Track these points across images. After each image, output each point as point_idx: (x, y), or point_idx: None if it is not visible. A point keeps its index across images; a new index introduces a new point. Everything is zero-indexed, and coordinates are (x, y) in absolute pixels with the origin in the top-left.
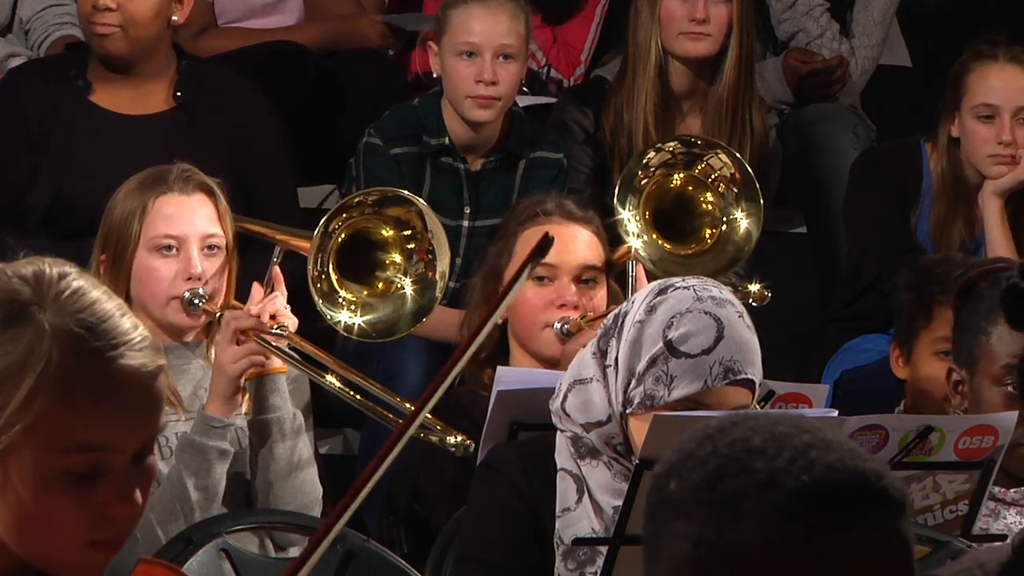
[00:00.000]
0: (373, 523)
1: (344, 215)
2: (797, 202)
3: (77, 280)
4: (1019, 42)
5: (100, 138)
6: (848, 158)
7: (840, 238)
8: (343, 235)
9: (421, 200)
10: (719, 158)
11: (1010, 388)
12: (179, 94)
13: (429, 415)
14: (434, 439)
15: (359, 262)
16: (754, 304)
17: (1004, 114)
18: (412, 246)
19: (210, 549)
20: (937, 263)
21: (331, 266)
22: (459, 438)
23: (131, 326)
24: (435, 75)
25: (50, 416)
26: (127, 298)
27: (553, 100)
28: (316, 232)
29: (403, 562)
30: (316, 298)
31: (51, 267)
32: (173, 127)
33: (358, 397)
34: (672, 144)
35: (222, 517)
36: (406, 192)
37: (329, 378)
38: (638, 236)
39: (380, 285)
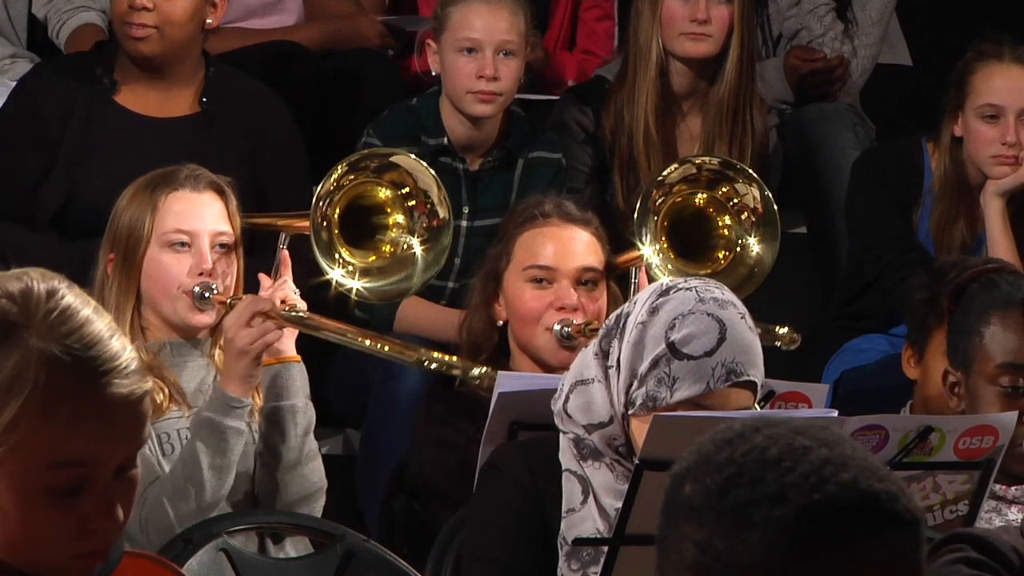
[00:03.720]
0: (373, 523)
1: (354, 174)
2: (797, 202)
3: (67, 297)
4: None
5: (120, 138)
6: (848, 158)
7: (840, 238)
8: (340, 208)
9: (411, 156)
10: (748, 188)
11: (1005, 387)
12: (204, 100)
13: (443, 355)
14: (456, 372)
15: (362, 230)
16: (782, 347)
17: (1008, 115)
18: (412, 203)
19: (210, 549)
20: (951, 265)
21: (335, 226)
22: (483, 369)
23: (120, 348)
24: (434, 73)
25: (34, 436)
26: (137, 296)
27: (553, 97)
28: (326, 178)
29: (403, 562)
30: (316, 249)
31: (39, 283)
32: (194, 132)
33: (388, 350)
34: (703, 159)
35: (222, 517)
36: (398, 156)
37: (356, 337)
38: (657, 257)
39: (387, 248)
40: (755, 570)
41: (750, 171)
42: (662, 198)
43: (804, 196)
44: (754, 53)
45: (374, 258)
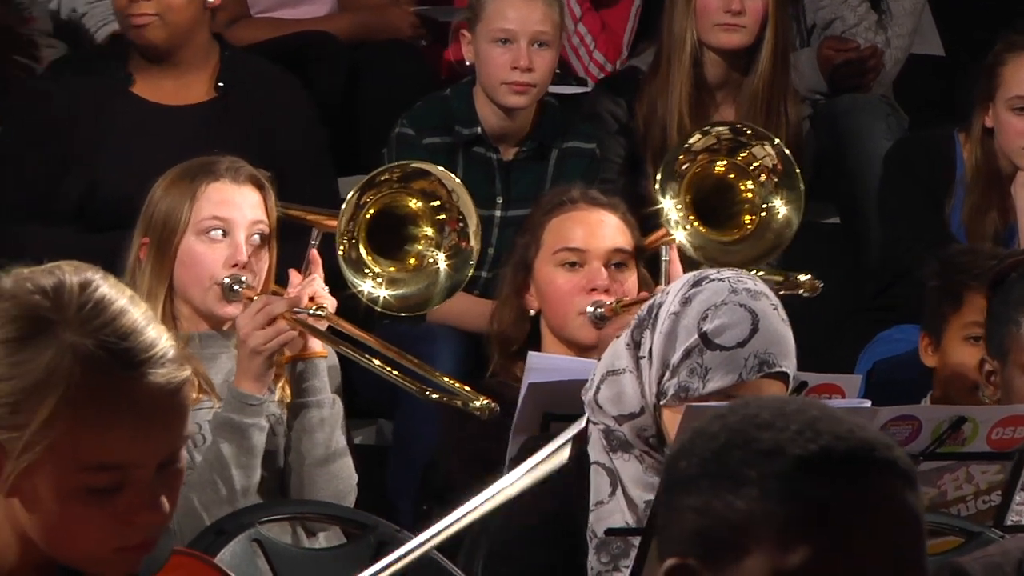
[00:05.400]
0: (406, 513)
1: (372, 190)
2: (829, 193)
3: (100, 289)
4: None
5: (140, 129)
6: (880, 148)
7: (873, 229)
8: (371, 211)
9: (439, 168)
10: (763, 148)
11: None
12: (220, 84)
13: (452, 380)
14: (458, 403)
15: (390, 238)
16: (805, 295)
17: None
18: (442, 217)
19: (243, 540)
20: (963, 252)
21: (361, 240)
22: (483, 401)
23: (155, 336)
24: (468, 63)
25: (71, 434)
26: (169, 284)
27: (586, 90)
28: (346, 204)
29: (436, 552)
30: (343, 266)
31: (71, 276)
32: (212, 117)
33: (396, 374)
34: (719, 129)
35: (254, 507)
36: (426, 164)
37: (368, 356)
38: (680, 225)
39: (412, 260)
40: (756, 525)
41: (759, 129)
42: (687, 164)
43: (836, 187)
44: (788, 44)
45: (394, 268)
